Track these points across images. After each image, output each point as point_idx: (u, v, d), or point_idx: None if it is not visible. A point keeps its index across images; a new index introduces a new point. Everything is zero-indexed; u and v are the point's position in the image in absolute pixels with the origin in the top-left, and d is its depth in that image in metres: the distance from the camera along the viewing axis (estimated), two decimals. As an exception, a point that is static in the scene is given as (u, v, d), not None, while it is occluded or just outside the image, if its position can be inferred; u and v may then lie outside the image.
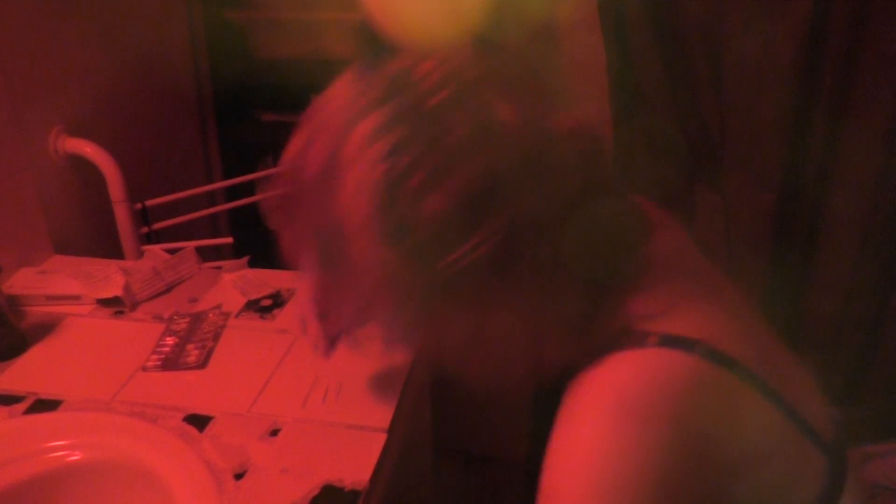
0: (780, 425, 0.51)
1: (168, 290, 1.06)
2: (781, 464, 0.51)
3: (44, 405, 0.81)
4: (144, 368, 0.88)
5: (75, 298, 1.01)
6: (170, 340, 0.93)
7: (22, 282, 1.04)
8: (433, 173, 0.42)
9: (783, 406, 0.51)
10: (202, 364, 0.88)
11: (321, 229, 0.47)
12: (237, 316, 0.99)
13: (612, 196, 0.51)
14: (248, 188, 1.73)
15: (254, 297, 1.02)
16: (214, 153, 1.76)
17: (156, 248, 1.18)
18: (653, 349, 0.47)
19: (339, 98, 0.48)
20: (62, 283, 1.03)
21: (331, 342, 0.72)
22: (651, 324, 0.49)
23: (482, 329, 0.48)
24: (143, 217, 1.26)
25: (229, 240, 1.40)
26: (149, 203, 1.26)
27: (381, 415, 0.78)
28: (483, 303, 0.47)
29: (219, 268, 1.12)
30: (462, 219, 0.43)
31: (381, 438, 0.75)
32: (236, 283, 1.07)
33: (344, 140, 0.44)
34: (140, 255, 1.22)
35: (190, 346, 0.92)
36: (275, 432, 0.77)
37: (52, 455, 0.74)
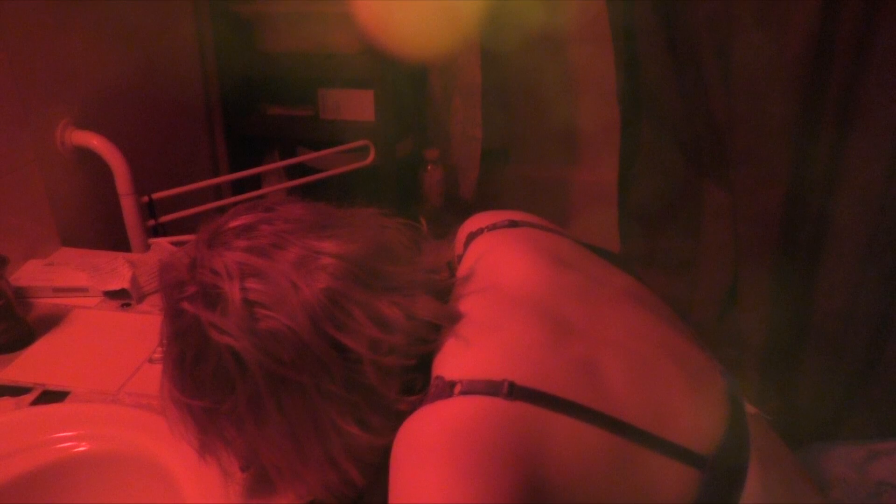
0: (610, 446, 0.52)
1: (174, 282, 1.06)
2: (624, 480, 0.52)
3: (51, 396, 0.82)
4: (151, 360, 0.88)
5: (82, 291, 1.02)
6: (176, 333, 0.93)
7: (29, 274, 1.05)
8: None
9: (614, 426, 0.52)
10: (208, 357, 0.89)
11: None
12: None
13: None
14: (254, 181, 1.73)
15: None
16: (220, 146, 1.77)
17: (162, 241, 1.18)
18: (457, 398, 0.51)
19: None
20: (69, 275, 1.04)
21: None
22: (457, 374, 0.53)
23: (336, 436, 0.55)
24: (149, 210, 1.26)
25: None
26: (155, 196, 1.27)
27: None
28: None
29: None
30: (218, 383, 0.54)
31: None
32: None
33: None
34: (147, 247, 1.22)
35: (196, 338, 0.92)
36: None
37: (58, 446, 0.74)
